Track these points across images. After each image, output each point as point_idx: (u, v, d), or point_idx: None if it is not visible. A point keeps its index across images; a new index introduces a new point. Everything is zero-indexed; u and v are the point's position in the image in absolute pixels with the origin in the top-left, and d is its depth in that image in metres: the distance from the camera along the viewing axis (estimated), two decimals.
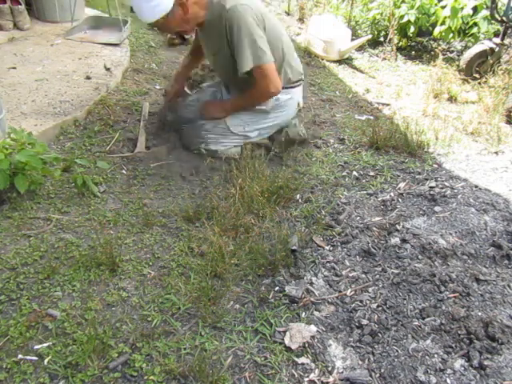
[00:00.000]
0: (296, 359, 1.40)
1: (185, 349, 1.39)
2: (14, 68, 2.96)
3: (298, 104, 2.50)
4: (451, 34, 4.11)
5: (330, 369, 1.37)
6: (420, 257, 1.77)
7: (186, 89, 2.96)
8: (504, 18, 3.61)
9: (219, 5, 2.08)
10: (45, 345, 1.36)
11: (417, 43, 4.68)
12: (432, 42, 4.68)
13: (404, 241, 1.85)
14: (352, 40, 4.22)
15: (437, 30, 4.13)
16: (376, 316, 1.53)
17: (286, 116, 2.45)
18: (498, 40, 3.70)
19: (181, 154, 2.40)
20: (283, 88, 2.30)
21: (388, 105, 3.37)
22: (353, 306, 1.58)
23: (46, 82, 2.84)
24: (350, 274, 1.71)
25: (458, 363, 1.38)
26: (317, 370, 1.37)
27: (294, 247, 1.78)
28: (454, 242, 1.83)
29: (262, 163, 2.23)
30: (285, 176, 2.19)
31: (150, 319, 1.48)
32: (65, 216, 1.89)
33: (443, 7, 4.06)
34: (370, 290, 1.64)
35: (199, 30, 2.34)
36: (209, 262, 1.67)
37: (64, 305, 1.49)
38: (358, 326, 1.50)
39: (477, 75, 3.68)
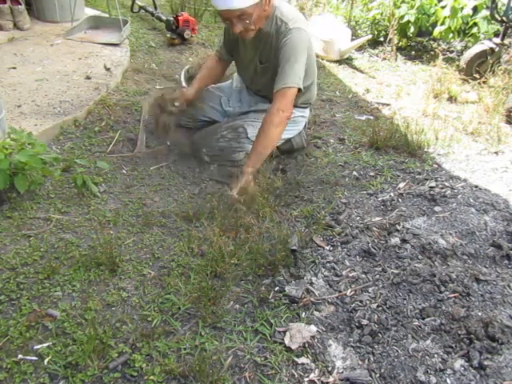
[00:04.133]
0: (296, 359, 1.40)
1: (185, 349, 1.39)
2: (14, 68, 2.97)
3: (305, 124, 2.56)
4: (451, 34, 4.12)
5: (330, 369, 1.37)
6: (420, 257, 1.77)
7: (184, 84, 2.94)
8: (504, 18, 3.61)
9: (281, 20, 2.13)
10: (45, 345, 1.36)
11: (417, 43, 4.68)
12: (432, 42, 4.68)
13: (404, 241, 1.85)
14: (352, 40, 4.22)
15: (437, 30, 4.13)
16: (376, 316, 1.53)
17: (295, 131, 2.48)
18: (497, 40, 3.70)
19: (181, 153, 2.40)
20: (298, 106, 2.40)
21: (388, 105, 3.37)
22: (353, 306, 1.58)
23: (46, 82, 2.84)
24: (350, 274, 1.71)
25: (458, 363, 1.38)
26: (317, 370, 1.37)
27: (293, 247, 1.78)
28: (454, 242, 1.83)
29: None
30: (285, 176, 2.19)
31: (150, 319, 1.48)
32: (65, 216, 1.89)
33: (443, 7, 4.06)
34: (370, 290, 1.64)
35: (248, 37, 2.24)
36: (209, 262, 1.67)
37: (64, 305, 1.49)
38: (358, 326, 1.50)
39: (477, 75, 3.68)
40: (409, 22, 4.21)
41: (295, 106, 2.45)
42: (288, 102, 2.13)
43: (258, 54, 2.28)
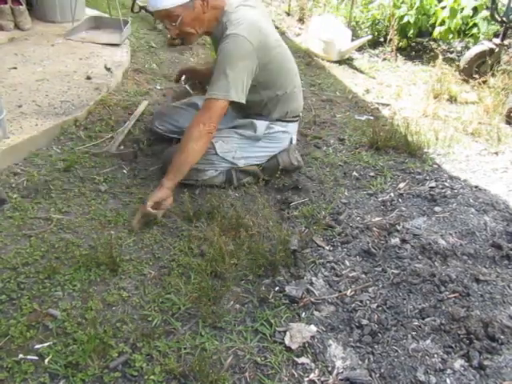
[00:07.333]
0: (296, 359, 1.40)
1: (185, 349, 1.39)
2: (15, 68, 2.97)
3: (291, 140, 2.30)
4: (451, 35, 4.12)
5: (329, 369, 1.38)
6: (420, 257, 1.77)
7: (187, 87, 2.91)
8: (504, 19, 3.62)
9: (225, 25, 1.97)
10: (45, 344, 1.36)
11: (417, 44, 4.68)
12: (432, 43, 4.68)
13: (404, 241, 1.85)
14: (352, 40, 4.23)
15: (436, 31, 4.14)
16: (376, 316, 1.53)
17: (277, 149, 2.24)
18: (497, 40, 3.71)
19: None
20: (279, 120, 2.21)
21: (388, 105, 3.37)
22: (353, 306, 1.58)
23: (47, 82, 2.84)
24: (350, 274, 1.71)
25: (458, 363, 1.38)
26: (317, 369, 1.37)
27: (294, 247, 1.78)
28: (454, 242, 1.84)
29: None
30: (285, 176, 2.19)
31: (150, 319, 1.48)
32: (65, 216, 1.89)
33: (443, 8, 4.07)
34: (370, 290, 1.64)
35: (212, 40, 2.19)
36: (209, 262, 1.67)
37: (64, 304, 1.49)
38: (357, 326, 1.50)
39: (477, 76, 3.69)
40: (408, 22, 4.22)
41: (274, 120, 2.21)
42: (212, 114, 1.92)
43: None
